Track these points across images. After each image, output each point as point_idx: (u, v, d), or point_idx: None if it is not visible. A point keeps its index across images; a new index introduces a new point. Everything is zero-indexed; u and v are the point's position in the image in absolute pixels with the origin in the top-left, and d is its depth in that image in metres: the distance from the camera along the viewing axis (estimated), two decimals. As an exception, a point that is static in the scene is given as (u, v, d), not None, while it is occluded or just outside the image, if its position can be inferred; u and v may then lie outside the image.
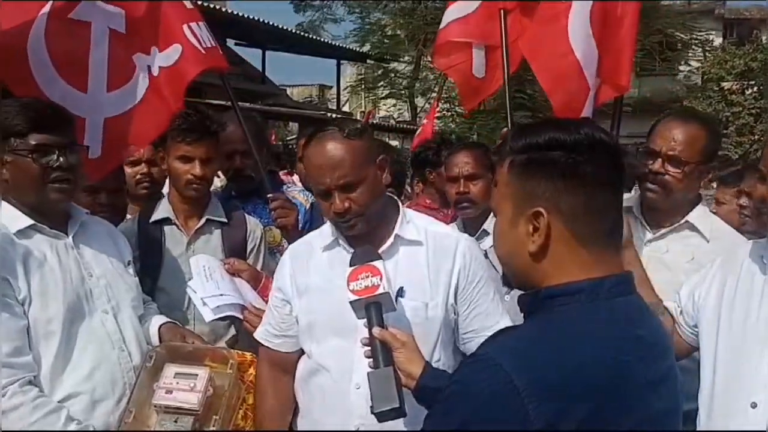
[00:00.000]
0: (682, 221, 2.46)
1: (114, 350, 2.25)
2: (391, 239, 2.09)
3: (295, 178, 4.31)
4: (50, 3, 2.69)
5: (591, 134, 1.26)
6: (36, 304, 2.12)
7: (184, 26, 2.87)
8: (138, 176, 3.27)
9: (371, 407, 1.70)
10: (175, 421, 2.09)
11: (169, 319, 2.49)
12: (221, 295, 2.46)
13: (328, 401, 2.06)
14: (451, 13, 3.35)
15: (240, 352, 2.35)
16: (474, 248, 2.20)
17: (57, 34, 2.70)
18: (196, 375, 2.15)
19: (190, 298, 2.62)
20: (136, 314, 2.39)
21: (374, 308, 1.81)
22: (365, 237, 2.07)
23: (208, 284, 2.48)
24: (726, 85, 21.90)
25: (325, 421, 2.07)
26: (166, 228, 2.79)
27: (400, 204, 2.21)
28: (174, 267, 2.73)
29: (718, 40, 23.85)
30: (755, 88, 21.79)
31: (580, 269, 1.25)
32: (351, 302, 1.82)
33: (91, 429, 2.12)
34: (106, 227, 2.51)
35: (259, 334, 2.29)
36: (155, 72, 2.80)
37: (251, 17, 16.55)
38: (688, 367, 2.16)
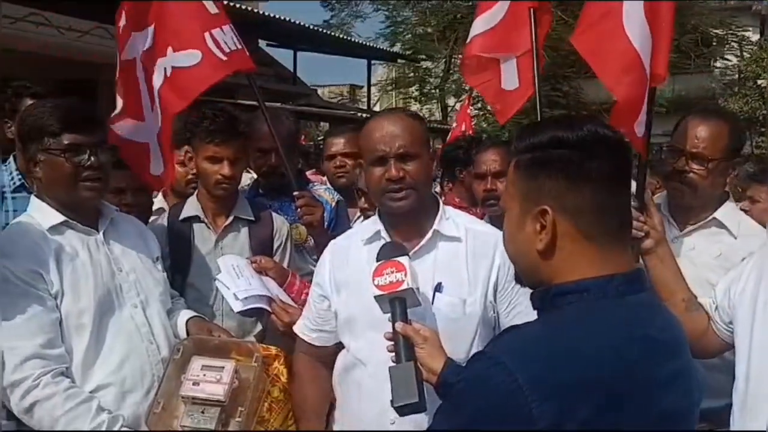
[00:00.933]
0: (710, 218, 2.45)
1: (143, 343, 2.30)
2: (429, 234, 2.11)
3: (324, 178, 4.35)
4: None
5: (594, 131, 1.26)
6: (68, 298, 2.19)
7: (206, 34, 2.91)
8: (189, 176, 3.34)
9: (391, 401, 1.72)
10: (202, 412, 2.14)
11: (196, 314, 2.54)
12: (249, 290, 2.51)
13: (365, 395, 2.08)
14: (476, 28, 3.32)
15: (265, 345, 2.40)
16: None
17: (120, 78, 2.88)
18: (223, 367, 2.19)
19: (217, 294, 2.68)
20: (164, 308, 2.44)
21: (398, 303, 1.83)
22: (406, 228, 2.10)
23: (238, 281, 2.53)
24: (762, 82, 21.48)
25: (362, 414, 2.09)
26: (195, 226, 2.85)
27: (440, 201, 2.23)
28: (202, 264, 2.79)
29: (754, 37, 23.38)
30: (792, 86, 21.33)
31: (589, 266, 1.25)
32: (375, 297, 1.85)
33: (121, 419, 2.18)
34: (134, 224, 2.57)
35: (297, 328, 2.33)
36: (168, 72, 2.86)
37: (283, 18, 16.66)
38: (714, 364, 2.15)
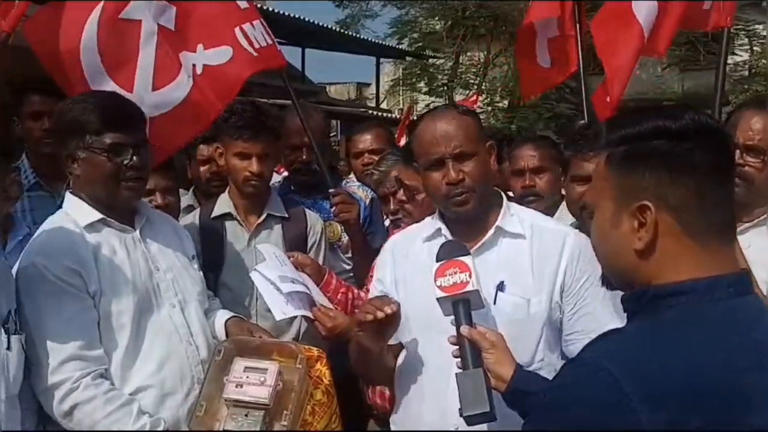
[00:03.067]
0: (765, 216, 2.38)
1: (182, 344, 2.25)
2: (492, 231, 2.03)
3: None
4: (102, 3, 2.71)
5: (696, 119, 1.18)
6: (106, 298, 2.14)
7: (236, 29, 2.86)
8: (209, 175, 3.29)
9: (460, 410, 1.65)
10: (246, 415, 2.08)
11: (234, 314, 2.49)
12: (293, 281, 2.44)
13: (426, 398, 2.02)
14: None
15: (307, 346, 2.33)
16: (584, 244, 2.02)
17: (108, 34, 2.75)
18: (266, 369, 2.12)
19: (252, 294, 2.62)
20: (201, 308, 2.39)
21: (462, 306, 1.76)
22: (467, 226, 2.03)
23: (282, 267, 2.46)
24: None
25: (423, 417, 2.02)
26: (228, 223, 2.79)
27: (504, 196, 2.14)
28: (236, 262, 2.73)
29: (765, 32, 23.23)
30: (808, 81, 21.20)
31: (693, 267, 1.16)
32: (438, 299, 1.78)
33: (162, 423, 2.13)
34: (170, 222, 2.52)
35: None
36: (199, 70, 2.80)
37: (290, 15, 16.61)
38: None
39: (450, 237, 2.05)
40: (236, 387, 2.10)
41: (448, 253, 1.82)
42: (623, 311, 1.25)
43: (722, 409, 1.07)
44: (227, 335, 2.37)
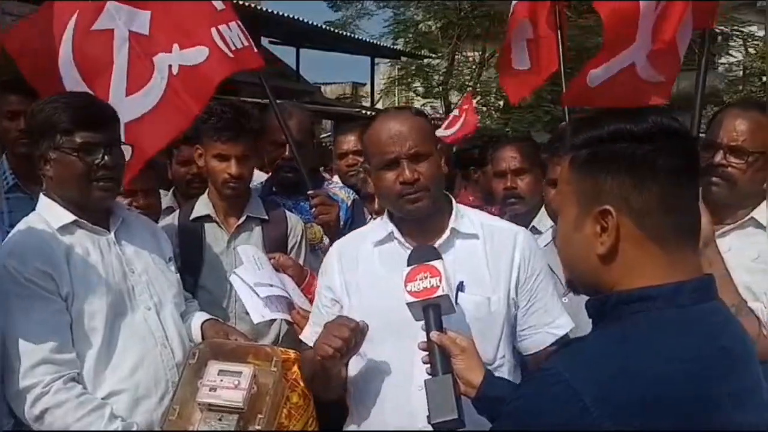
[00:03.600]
0: (747, 218, 2.35)
1: (157, 347, 2.22)
2: (447, 233, 2.02)
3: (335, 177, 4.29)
4: (75, 17, 2.73)
5: (659, 122, 1.15)
6: (79, 300, 2.11)
7: (213, 29, 2.84)
8: (189, 176, 3.26)
9: (428, 417, 1.63)
10: (220, 419, 2.05)
11: (211, 316, 2.46)
12: (271, 285, 2.42)
13: (388, 404, 1.99)
14: None
15: (283, 349, 2.31)
16: (532, 241, 2.13)
17: (82, 47, 2.76)
18: (240, 372, 2.10)
19: (231, 296, 2.60)
20: (178, 311, 2.36)
21: (433, 311, 1.73)
22: (420, 229, 2.02)
23: (259, 272, 2.44)
24: (756, 100, 21.37)
25: (384, 422, 2.00)
26: (207, 225, 2.76)
27: (453, 199, 2.14)
28: (215, 264, 2.71)
29: (760, 33, 23.25)
30: (800, 82, 21.22)
31: (656, 272, 1.14)
32: (408, 304, 1.75)
33: (135, 427, 2.10)
34: (146, 224, 2.49)
35: (306, 336, 2.19)
36: (175, 70, 2.78)
37: (285, 15, 16.58)
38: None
39: (402, 240, 2.03)
40: (210, 390, 2.08)
41: (419, 257, 1.79)
42: (588, 316, 1.23)
43: (690, 420, 1.05)
44: (203, 338, 2.34)
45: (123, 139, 2.66)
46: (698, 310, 1.14)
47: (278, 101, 3.13)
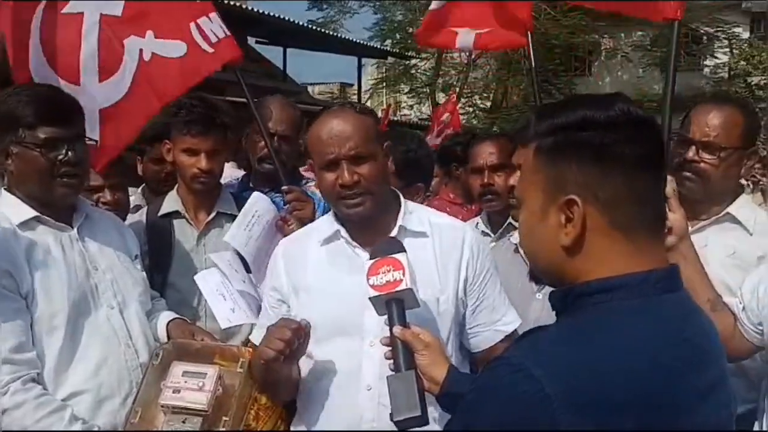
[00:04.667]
0: (723, 213, 2.32)
1: (120, 347, 2.17)
2: (395, 231, 1.97)
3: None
4: (43, 2, 2.65)
5: (626, 110, 1.11)
6: (40, 299, 2.05)
7: (192, 24, 2.76)
8: (163, 174, 3.19)
9: (390, 415, 1.58)
10: (183, 422, 1.99)
11: (177, 315, 2.40)
12: (240, 290, 2.39)
13: (335, 404, 1.94)
14: None
15: (251, 349, 2.25)
16: (480, 238, 2.12)
17: (49, 28, 2.67)
18: (205, 374, 2.05)
19: (200, 296, 2.53)
20: (143, 310, 2.30)
21: (396, 305, 1.68)
22: (367, 227, 1.96)
23: (232, 278, 2.39)
24: (753, 80, 21.51)
25: (331, 422, 1.95)
26: (176, 222, 2.69)
27: (401, 195, 2.09)
28: (184, 262, 2.64)
29: (745, 35, 23.42)
30: (782, 82, 21.38)
31: (621, 263, 1.11)
32: (371, 298, 1.70)
33: (96, 429, 2.04)
34: (111, 220, 2.43)
35: (254, 338, 2.12)
36: (147, 56, 2.70)
37: (272, 14, 16.51)
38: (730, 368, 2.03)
39: (348, 238, 1.98)
40: (173, 392, 2.02)
41: (382, 251, 1.74)
42: (552, 308, 1.19)
43: (654, 413, 1.02)
44: (168, 338, 2.29)
45: (100, 125, 2.59)
46: (663, 300, 1.11)
47: (271, 94, 3.10)
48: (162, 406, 2.03)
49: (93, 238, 2.24)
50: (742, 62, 21.38)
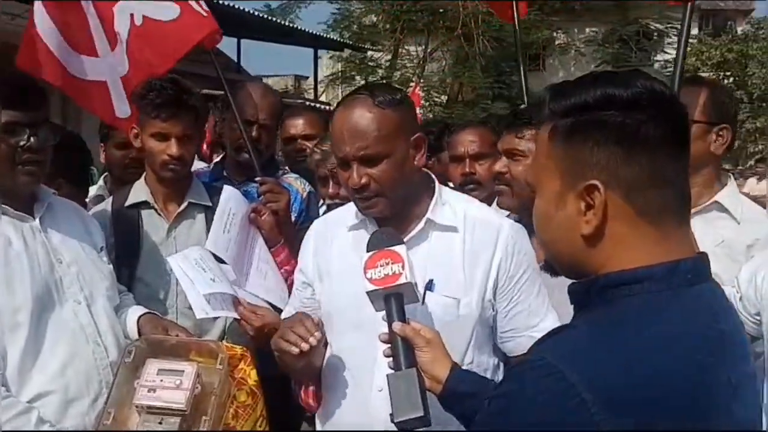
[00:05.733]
0: (710, 202, 2.28)
1: (88, 344, 2.04)
2: (421, 224, 1.85)
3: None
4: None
5: (650, 87, 1.03)
6: (1, 293, 1.92)
7: None
8: (128, 160, 3.02)
9: (391, 415, 1.49)
10: (160, 422, 1.88)
11: (148, 310, 2.27)
12: (214, 280, 2.25)
13: (348, 401, 1.85)
14: None
15: (229, 344, 2.14)
16: (519, 236, 1.91)
17: (56, 13, 2.59)
18: (182, 371, 1.93)
19: (171, 289, 2.43)
20: (111, 305, 2.18)
21: (395, 300, 1.59)
22: (391, 219, 1.85)
23: (205, 274, 2.26)
24: (702, 75, 21.98)
25: (343, 422, 1.86)
26: (144, 212, 2.54)
27: (437, 182, 1.95)
28: (153, 255, 2.49)
29: (694, 31, 23.94)
30: (731, 79, 21.91)
31: (647, 252, 1.03)
32: (368, 293, 1.60)
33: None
34: (75, 210, 2.30)
35: (284, 317, 2.03)
36: (138, 20, 2.58)
37: (226, 3, 16.19)
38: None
39: (375, 227, 1.87)
40: (149, 391, 1.90)
41: (379, 242, 1.64)
42: (570, 303, 1.11)
43: (690, 411, 0.95)
44: (140, 334, 2.16)
45: (125, 91, 2.53)
46: (694, 291, 1.03)
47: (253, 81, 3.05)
48: (136, 406, 1.91)
49: (56, 228, 2.11)
50: (692, 58, 21.81)
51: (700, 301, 1.03)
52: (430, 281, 1.80)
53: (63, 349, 1.99)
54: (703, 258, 1.08)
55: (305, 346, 1.72)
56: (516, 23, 3.24)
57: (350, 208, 1.98)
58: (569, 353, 0.97)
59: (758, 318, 1.95)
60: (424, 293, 1.77)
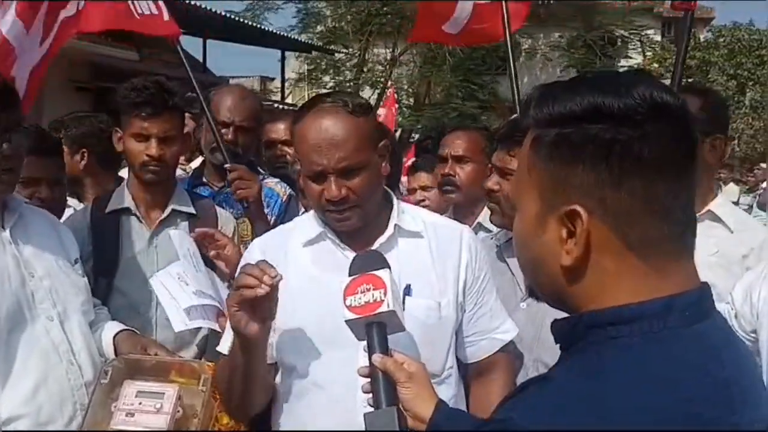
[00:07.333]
0: (704, 211, 2.24)
1: (61, 363, 1.92)
2: (390, 230, 1.79)
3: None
4: None
5: (648, 95, 0.87)
6: None
7: None
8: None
9: None
10: (139, 449, 1.77)
11: (125, 326, 2.15)
12: (196, 293, 2.16)
13: (328, 423, 1.73)
14: None
15: (211, 364, 2.03)
16: (477, 240, 1.96)
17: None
18: (163, 393, 1.83)
19: (152, 300, 2.29)
20: (86, 321, 2.06)
21: (377, 330, 1.45)
22: (355, 233, 1.78)
23: (187, 287, 2.15)
24: (665, 81, 22.32)
25: None
26: (125, 220, 2.42)
27: (393, 194, 1.90)
28: (133, 264, 2.37)
29: (657, 38, 24.33)
30: (693, 85, 22.29)
31: (637, 287, 0.88)
32: (347, 321, 1.48)
33: (37, 459, 1.79)
34: (48, 219, 2.16)
35: (224, 347, 1.87)
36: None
37: (191, 3, 15.95)
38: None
39: (336, 240, 1.79)
40: (127, 416, 1.80)
41: (361, 266, 1.52)
42: (555, 341, 0.97)
43: None
44: (116, 353, 2.04)
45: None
46: (694, 331, 0.88)
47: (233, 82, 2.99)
48: (114, 432, 1.79)
49: (27, 240, 1.98)
50: (655, 64, 22.14)
51: (701, 344, 0.88)
52: (408, 286, 1.75)
53: (34, 369, 1.86)
54: (704, 290, 0.93)
55: (265, 286, 1.54)
56: (507, 34, 3.20)
57: (299, 222, 1.92)
58: (552, 413, 0.84)
59: (754, 336, 1.91)
60: (404, 299, 1.70)
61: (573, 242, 0.89)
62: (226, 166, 2.60)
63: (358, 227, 1.76)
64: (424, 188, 3.15)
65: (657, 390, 0.83)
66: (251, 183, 2.58)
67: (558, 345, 0.96)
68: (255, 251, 1.87)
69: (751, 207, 7.92)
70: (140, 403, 1.81)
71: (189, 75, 2.79)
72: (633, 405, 0.82)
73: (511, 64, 3.10)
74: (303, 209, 2.86)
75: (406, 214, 1.85)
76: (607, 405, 0.82)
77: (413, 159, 4.35)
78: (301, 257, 1.82)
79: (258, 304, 1.58)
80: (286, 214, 2.81)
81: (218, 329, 2.14)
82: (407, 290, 1.75)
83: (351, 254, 1.71)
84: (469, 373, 1.90)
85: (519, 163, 0.99)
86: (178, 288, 2.14)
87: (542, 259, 0.94)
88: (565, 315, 0.97)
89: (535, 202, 0.93)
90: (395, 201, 1.87)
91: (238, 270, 1.73)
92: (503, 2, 3.26)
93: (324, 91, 20.89)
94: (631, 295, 0.88)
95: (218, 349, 1.92)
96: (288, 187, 2.91)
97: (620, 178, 0.87)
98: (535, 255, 0.95)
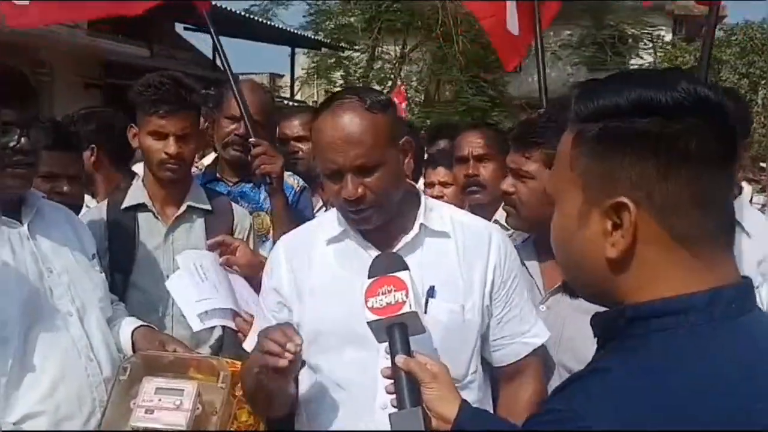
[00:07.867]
0: None
1: (80, 360, 1.91)
2: (415, 229, 1.76)
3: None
4: None
5: (693, 91, 0.90)
6: None
7: None
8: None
9: None
10: (159, 447, 1.75)
11: (142, 323, 2.14)
12: (212, 296, 2.14)
13: (348, 424, 1.72)
14: None
15: (230, 360, 2.02)
16: (507, 241, 1.89)
17: None
18: (182, 390, 1.81)
19: (167, 297, 2.28)
20: (104, 317, 2.05)
21: (398, 331, 1.46)
22: (379, 232, 1.75)
23: (202, 285, 2.14)
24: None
25: None
26: (141, 216, 2.41)
27: (421, 191, 1.88)
28: (149, 260, 2.36)
29: (668, 37, 24.20)
30: (705, 84, 22.16)
31: (683, 280, 0.90)
32: (369, 323, 1.48)
33: (55, 456, 1.78)
34: (66, 215, 2.15)
35: (248, 345, 1.88)
36: None
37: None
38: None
39: (360, 238, 1.76)
40: (146, 413, 1.78)
41: (382, 268, 1.52)
42: (593, 335, 0.98)
43: None
44: (134, 349, 2.03)
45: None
46: (740, 324, 0.90)
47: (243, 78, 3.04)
48: (133, 429, 1.78)
49: (46, 235, 1.97)
50: (666, 63, 22.01)
51: (747, 336, 0.90)
52: (431, 288, 1.72)
53: (53, 366, 1.85)
54: (747, 283, 0.95)
55: (286, 359, 1.54)
56: (537, 31, 3.21)
57: (323, 220, 1.90)
58: (598, 402, 0.85)
59: None
60: (427, 301, 1.68)
61: (620, 234, 0.91)
62: (251, 140, 2.60)
63: (378, 224, 1.73)
64: (443, 184, 3.12)
65: (709, 384, 0.84)
66: (275, 159, 2.59)
67: (595, 339, 0.97)
68: (280, 252, 1.88)
69: (764, 206, 7.86)
70: (160, 400, 1.79)
71: (221, 52, 2.90)
72: (685, 397, 0.83)
73: (541, 62, 3.11)
74: (321, 202, 2.87)
75: (433, 212, 1.81)
76: (661, 395, 0.83)
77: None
78: (325, 255, 1.81)
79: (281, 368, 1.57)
80: (298, 204, 2.83)
81: (234, 328, 2.14)
82: (431, 292, 1.72)
83: (375, 253, 1.70)
84: (498, 377, 1.87)
85: (558, 159, 1.00)
86: (195, 284, 2.13)
87: (585, 253, 0.95)
88: (583, 315, 0.99)
89: (578, 196, 0.95)
90: (423, 199, 1.83)
91: (261, 323, 1.76)
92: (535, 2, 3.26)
93: (335, 89, 20.99)
94: (677, 287, 0.90)
95: (244, 346, 1.92)
96: (301, 180, 2.93)
97: (667, 171, 0.89)
98: (577, 249, 0.97)
